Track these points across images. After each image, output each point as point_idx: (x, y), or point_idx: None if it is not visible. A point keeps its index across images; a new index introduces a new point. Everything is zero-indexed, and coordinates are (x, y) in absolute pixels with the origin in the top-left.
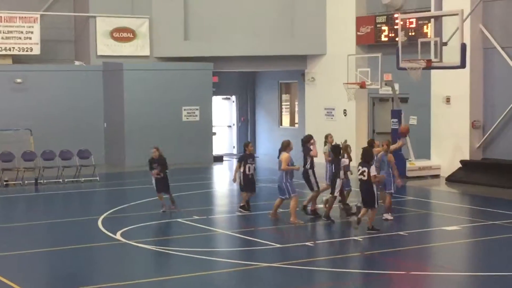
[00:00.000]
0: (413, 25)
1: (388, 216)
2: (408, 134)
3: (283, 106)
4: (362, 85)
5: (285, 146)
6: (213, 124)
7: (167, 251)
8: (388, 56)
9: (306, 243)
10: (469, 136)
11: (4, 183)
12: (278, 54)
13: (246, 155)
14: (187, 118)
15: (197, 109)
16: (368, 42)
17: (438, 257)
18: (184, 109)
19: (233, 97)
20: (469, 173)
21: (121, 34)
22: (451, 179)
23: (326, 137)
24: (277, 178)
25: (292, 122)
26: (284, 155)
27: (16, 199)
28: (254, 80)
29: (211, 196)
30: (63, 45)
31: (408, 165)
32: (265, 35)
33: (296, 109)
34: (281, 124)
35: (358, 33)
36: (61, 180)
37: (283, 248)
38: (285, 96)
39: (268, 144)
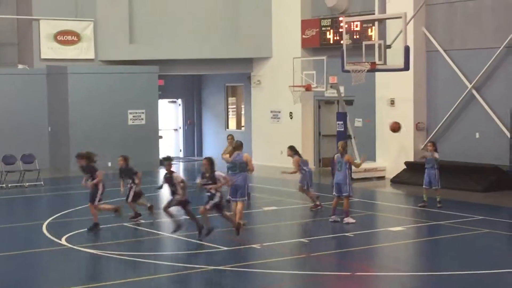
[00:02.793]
0: (358, 28)
1: (349, 219)
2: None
3: (229, 109)
4: (308, 88)
5: (240, 146)
6: (159, 128)
7: (112, 255)
8: (333, 59)
9: (253, 246)
10: (413, 137)
11: None
12: (224, 57)
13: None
14: (133, 122)
15: (143, 113)
16: (313, 45)
17: (383, 258)
18: (130, 113)
19: (179, 100)
20: (413, 174)
21: (65, 37)
22: (396, 181)
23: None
24: (241, 180)
25: (238, 125)
26: (247, 154)
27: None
28: (200, 83)
29: (157, 200)
30: (5, 48)
31: (353, 167)
32: (211, 38)
33: (243, 112)
34: (228, 127)
35: (303, 36)
36: (4, 185)
37: (230, 251)
38: (231, 99)
39: (214, 147)
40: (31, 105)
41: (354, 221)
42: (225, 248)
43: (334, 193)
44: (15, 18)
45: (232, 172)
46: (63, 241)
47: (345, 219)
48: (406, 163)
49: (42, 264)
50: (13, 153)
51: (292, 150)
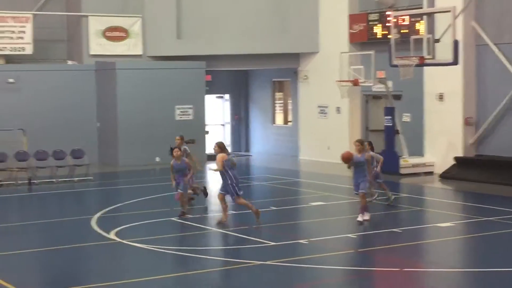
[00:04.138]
0: (406, 23)
1: (365, 216)
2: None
3: (276, 104)
4: (355, 83)
5: (224, 148)
6: (206, 123)
7: (161, 250)
8: (381, 54)
9: (300, 241)
10: (463, 132)
11: None
12: (271, 52)
13: None
14: (180, 117)
15: (190, 108)
16: (361, 39)
17: (432, 254)
18: (177, 108)
19: (226, 96)
20: (462, 169)
21: (114, 33)
22: (445, 176)
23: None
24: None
25: (285, 120)
26: (221, 155)
27: (9, 199)
28: (247, 79)
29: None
30: (55, 44)
31: (401, 162)
32: (258, 33)
33: (290, 107)
34: (275, 122)
35: (351, 30)
36: (54, 180)
37: (277, 246)
38: (278, 94)
39: (261, 142)
40: (80, 101)
41: (368, 218)
42: (272, 243)
43: (355, 192)
44: (64, 15)
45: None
46: (112, 235)
47: (360, 216)
48: (455, 158)
49: (91, 258)
50: (63, 148)
51: (220, 147)
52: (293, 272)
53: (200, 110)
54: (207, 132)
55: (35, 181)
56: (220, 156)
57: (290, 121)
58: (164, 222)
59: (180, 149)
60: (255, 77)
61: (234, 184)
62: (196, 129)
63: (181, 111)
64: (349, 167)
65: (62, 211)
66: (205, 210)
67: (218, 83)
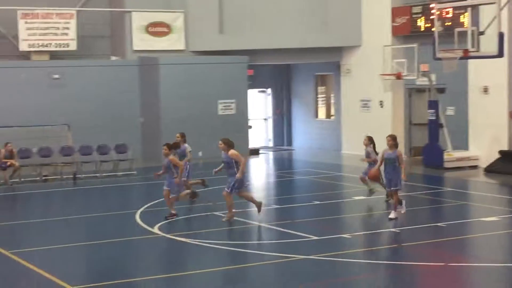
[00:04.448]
0: (450, 15)
1: (395, 214)
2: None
3: (318, 98)
4: (398, 76)
5: (232, 145)
6: (249, 117)
7: (204, 244)
8: (424, 47)
9: (344, 235)
10: (508, 126)
11: (43, 178)
12: (313, 46)
13: None
14: (223, 112)
15: (232, 103)
16: (404, 32)
17: (477, 248)
18: (220, 103)
19: (269, 90)
20: (507, 163)
21: (157, 29)
22: (490, 170)
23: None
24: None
25: (328, 114)
26: (235, 152)
27: (55, 193)
28: (289, 73)
29: (247, 189)
30: (99, 40)
31: (445, 156)
32: (300, 27)
33: (332, 101)
34: (317, 116)
35: (393, 24)
36: (98, 174)
37: (320, 240)
38: (320, 88)
39: (303, 137)
40: (123, 96)
41: (395, 217)
42: (315, 238)
43: (387, 188)
44: (108, 11)
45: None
46: (155, 229)
47: (392, 213)
48: (500, 152)
49: (135, 252)
50: (107, 143)
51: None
52: (336, 267)
53: (243, 104)
54: (250, 127)
55: (79, 175)
56: (235, 152)
57: (332, 115)
58: (207, 216)
59: (169, 147)
60: (297, 71)
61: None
62: (239, 123)
63: (224, 106)
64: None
65: (107, 206)
66: (247, 204)
67: (260, 78)
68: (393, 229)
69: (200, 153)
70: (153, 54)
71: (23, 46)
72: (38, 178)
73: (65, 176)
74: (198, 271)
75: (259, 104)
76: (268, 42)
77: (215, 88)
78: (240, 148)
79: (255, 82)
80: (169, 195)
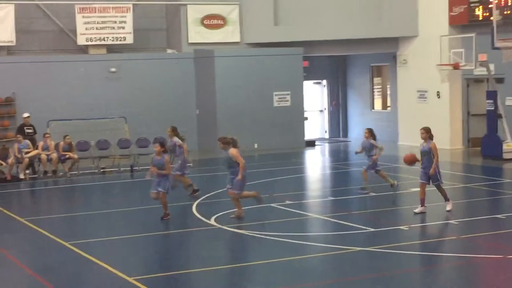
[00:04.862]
0: (509, 3)
1: (419, 209)
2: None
3: (374, 89)
4: (456, 66)
5: (236, 142)
6: (304, 109)
7: (260, 235)
8: (482, 36)
9: (401, 227)
10: None
11: (101, 170)
12: (369, 37)
13: None
14: (279, 104)
15: (288, 94)
16: (462, 22)
17: None
18: (275, 95)
19: (324, 81)
20: None
21: (212, 21)
22: None
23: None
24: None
25: (384, 105)
26: (235, 150)
27: (113, 186)
28: (345, 64)
29: (303, 181)
30: (155, 33)
31: (504, 147)
32: (355, 18)
33: (388, 92)
34: (373, 108)
35: (451, 13)
36: None
37: (377, 232)
38: (376, 79)
39: (359, 128)
40: (179, 88)
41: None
42: (372, 229)
43: (420, 180)
44: (163, 4)
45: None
46: (212, 221)
47: (419, 208)
48: None
49: (193, 243)
50: (163, 135)
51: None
52: (393, 259)
53: (298, 96)
54: (305, 118)
55: (136, 167)
56: (236, 150)
57: (389, 106)
58: (263, 208)
59: (161, 144)
60: (353, 62)
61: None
62: (294, 115)
63: (279, 98)
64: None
65: None
66: (304, 196)
67: (315, 69)
68: (451, 221)
69: (256, 145)
70: (208, 46)
71: (81, 40)
72: (96, 171)
73: (122, 169)
74: (254, 263)
75: (315, 96)
76: (324, 33)
77: (271, 80)
78: (295, 140)
79: (311, 73)
80: (164, 196)
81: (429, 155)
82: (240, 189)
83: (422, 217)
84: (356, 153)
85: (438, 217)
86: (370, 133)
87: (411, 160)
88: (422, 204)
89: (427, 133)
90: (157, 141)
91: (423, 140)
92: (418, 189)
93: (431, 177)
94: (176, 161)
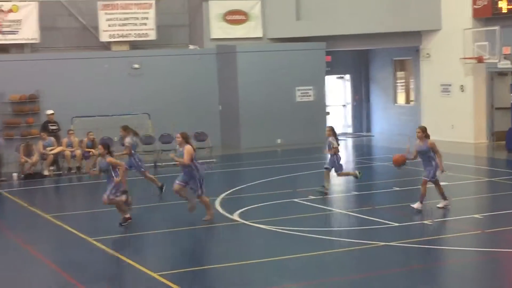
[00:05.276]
0: None
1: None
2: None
3: (397, 84)
4: (480, 60)
5: (188, 137)
6: (327, 104)
7: (284, 231)
8: (506, 29)
9: (425, 222)
10: None
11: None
12: (392, 31)
13: None
14: (301, 99)
15: (310, 89)
16: (485, 15)
17: None
18: (298, 90)
19: (347, 76)
20: None
21: (234, 17)
22: None
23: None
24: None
25: (407, 100)
26: (188, 147)
27: (136, 182)
28: (367, 58)
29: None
30: (177, 29)
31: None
32: (378, 12)
33: (412, 86)
34: (396, 102)
35: (474, 6)
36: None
37: (401, 227)
38: (399, 73)
39: (383, 122)
40: (202, 84)
41: (419, 208)
42: (396, 224)
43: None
44: (186, 0)
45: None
46: (235, 216)
47: (417, 204)
48: None
49: (216, 238)
50: (186, 131)
51: (184, 138)
52: (418, 253)
53: (321, 91)
54: (328, 113)
55: (160, 163)
56: (189, 148)
57: (412, 101)
58: (286, 204)
59: (103, 146)
60: (375, 57)
61: (202, 181)
62: (317, 110)
63: (302, 93)
64: (399, 168)
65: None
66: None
67: (338, 64)
68: (475, 215)
69: (278, 141)
70: (231, 42)
71: (104, 37)
72: None
73: (145, 164)
74: (279, 258)
75: (338, 90)
76: (346, 27)
77: (293, 75)
78: (318, 135)
79: (333, 68)
80: (117, 202)
81: (426, 154)
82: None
83: (446, 211)
84: (324, 152)
85: (462, 211)
86: (331, 131)
87: (399, 162)
88: (444, 198)
89: (423, 133)
90: (101, 142)
91: (418, 140)
92: (443, 183)
93: (425, 172)
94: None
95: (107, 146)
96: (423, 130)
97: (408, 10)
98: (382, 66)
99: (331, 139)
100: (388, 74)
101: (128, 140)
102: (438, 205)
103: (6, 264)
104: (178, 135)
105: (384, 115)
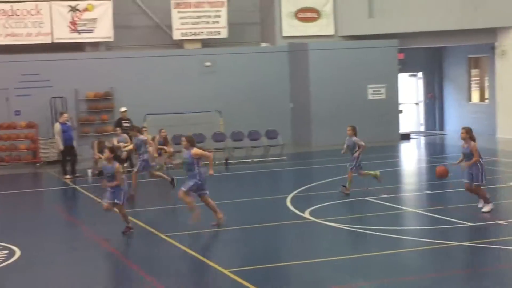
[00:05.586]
0: None
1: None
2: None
3: (472, 81)
4: None
5: (194, 141)
6: (399, 102)
7: (355, 229)
8: None
9: (499, 222)
10: None
11: None
12: (466, 27)
13: None
14: (373, 97)
15: (383, 87)
16: None
17: None
18: (370, 88)
19: (420, 74)
20: None
21: (306, 14)
22: None
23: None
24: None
25: (482, 98)
26: (197, 150)
27: (207, 178)
28: (441, 56)
29: (398, 175)
30: (249, 27)
31: None
32: (452, 8)
33: (486, 84)
34: (470, 100)
35: None
36: (249, 160)
37: (474, 227)
38: (474, 71)
39: (456, 121)
40: (273, 82)
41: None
42: (469, 224)
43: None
44: None
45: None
46: (306, 214)
47: (481, 202)
48: None
49: (288, 236)
50: (257, 129)
51: (189, 142)
52: (491, 254)
53: (393, 89)
54: (400, 111)
55: (231, 161)
56: (198, 151)
57: (486, 99)
58: (357, 202)
59: (111, 150)
60: (449, 54)
61: (203, 181)
62: (389, 108)
63: (374, 91)
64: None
65: (258, 190)
66: (399, 190)
67: (411, 61)
68: None
69: None
70: (302, 40)
71: (176, 35)
72: None
73: (217, 162)
74: (351, 256)
75: (410, 88)
76: (419, 24)
77: (365, 72)
78: (390, 133)
79: (406, 66)
80: (122, 208)
81: (470, 156)
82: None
83: None
84: (343, 153)
85: None
86: (353, 130)
87: (442, 174)
88: (486, 202)
89: (467, 134)
90: (107, 147)
91: (463, 141)
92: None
93: (474, 177)
94: (137, 159)
95: (113, 151)
96: (468, 131)
97: (483, 6)
98: (456, 64)
99: (355, 139)
100: (462, 72)
101: (142, 137)
102: (483, 210)
103: (80, 258)
104: (183, 138)
105: (458, 114)
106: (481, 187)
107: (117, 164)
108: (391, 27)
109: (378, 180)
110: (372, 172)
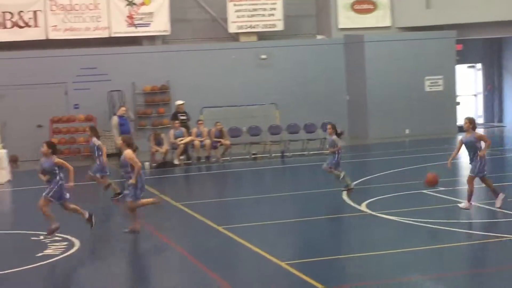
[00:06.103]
0: None
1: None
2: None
3: None
4: None
5: (131, 143)
6: (457, 94)
7: (412, 222)
8: None
9: None
10: None
11: (252, 156)
12: None
13: None
14: (430, 88)
15: (440, 79)
16: None
17: None
18: (427, 79)
19: (479, 65)
20: None
21: (362, 6)
22: None
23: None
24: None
25: None
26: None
27: (264, 171)
28: (501, 47)
29: (456, 167)
30: (305, 19)
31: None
32: None
33: None
34: None
35: None
36: (305, 152)
37: None
38: None
39: None
40: (329, 74)
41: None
42: None
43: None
44: None
45: None
46: (363, 207)
47: (465, 202)
48: None
49: (344, 229)
50: (313, 121)
51: (126, 142)
52: None
53: (451, 80)
54: (458, 103)
55: (287, 153)
56: (130, 152)
57: None
58: (414, 195)
59: (48, 144)
60: (509, 45)
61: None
62: (447, 100)
63: (431, 82)
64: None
65: (314, 183)
66: (457, 182)
67: (469, 52)
68: None
69: (407, 131)
70: (359, 31)
71: (232, 28)
72: (247, 156)
73: (273, 154)
74: (408, 249)
75: (468, 80)
76: (478, 15)
77: (422, 64)
78: (448, 125)
79: (464, 57)
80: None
81: (473, 146)
82: (135, 198)
83: None
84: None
85: None
86: (333, 128)
87: (431, 181)
88: (496, 195)
89: (471, 124)
90: (45, 141)
91: (465, 131)
92: None
93: (471, 167)
94: (95, 163)
95: (51, 145)
96: (471, 121)
97: None
98: None
99: (334, 137)
100: None
101: (95, 140)
102: (497, 205)
103: (139, 251)
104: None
105: None
106: (473, 179)
107: (56, 160)
108: (449, 17)
109: (341, 181)
110: (339, 173)
